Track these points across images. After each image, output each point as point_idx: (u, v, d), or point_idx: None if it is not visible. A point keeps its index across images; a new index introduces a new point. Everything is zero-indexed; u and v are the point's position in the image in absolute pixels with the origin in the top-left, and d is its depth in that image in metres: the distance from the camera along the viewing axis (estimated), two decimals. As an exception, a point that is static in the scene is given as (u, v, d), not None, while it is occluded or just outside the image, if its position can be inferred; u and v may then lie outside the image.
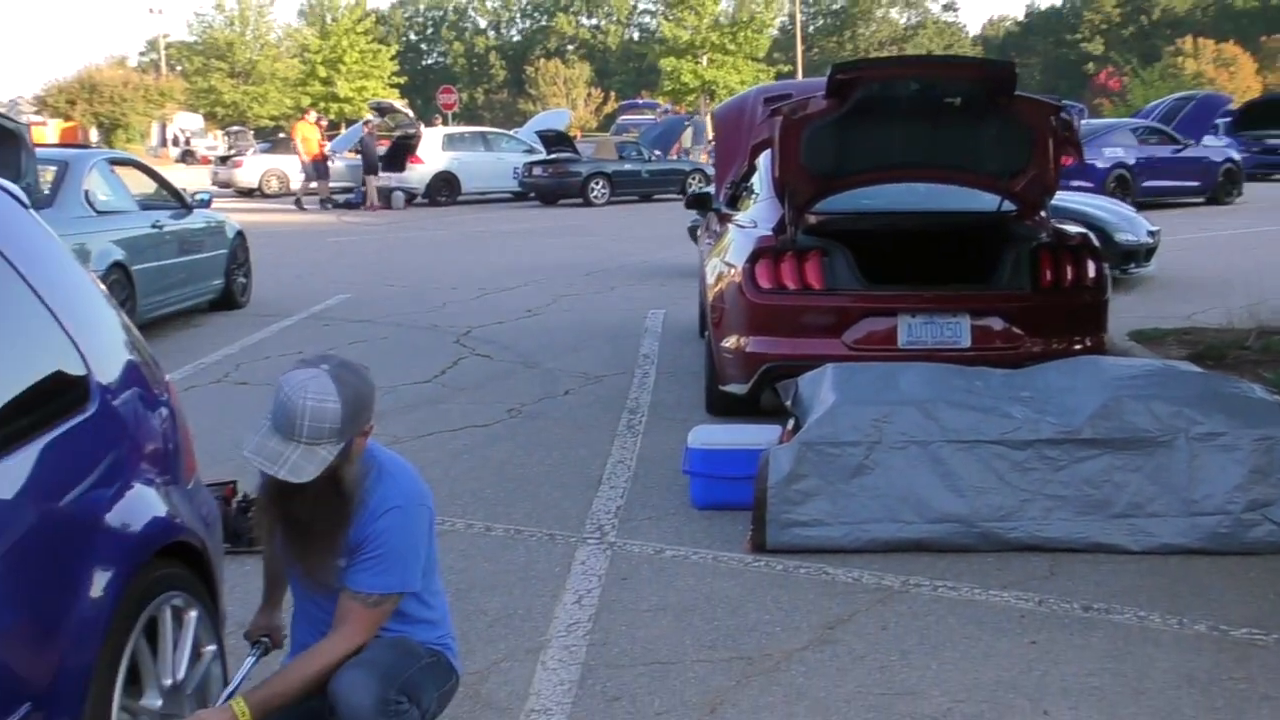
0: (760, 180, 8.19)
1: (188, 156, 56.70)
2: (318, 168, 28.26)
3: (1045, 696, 4.00)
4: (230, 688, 3.24)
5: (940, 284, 7.19)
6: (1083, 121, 22.54)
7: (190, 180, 23.45)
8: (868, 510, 5.29)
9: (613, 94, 75.92)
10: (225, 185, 33.68)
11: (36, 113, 55.30)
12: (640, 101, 63.39)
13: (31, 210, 3.23)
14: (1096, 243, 7.41)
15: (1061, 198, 12.68)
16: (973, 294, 7.09)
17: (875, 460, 5.32)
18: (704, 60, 63.03)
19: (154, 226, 11.31)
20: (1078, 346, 6.96)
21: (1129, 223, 13.29)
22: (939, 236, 7.83)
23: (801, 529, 5.29)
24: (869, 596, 4.85)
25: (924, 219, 7.94)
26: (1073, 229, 7.57)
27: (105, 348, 3.25)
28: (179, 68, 71.32)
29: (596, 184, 28.62)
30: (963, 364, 6.12)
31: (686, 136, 37.21)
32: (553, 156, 29.36)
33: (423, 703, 3.23)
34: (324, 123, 33.86)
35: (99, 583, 2.77)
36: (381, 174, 28.44)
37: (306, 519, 3.14)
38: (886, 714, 3.90)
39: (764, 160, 7.94)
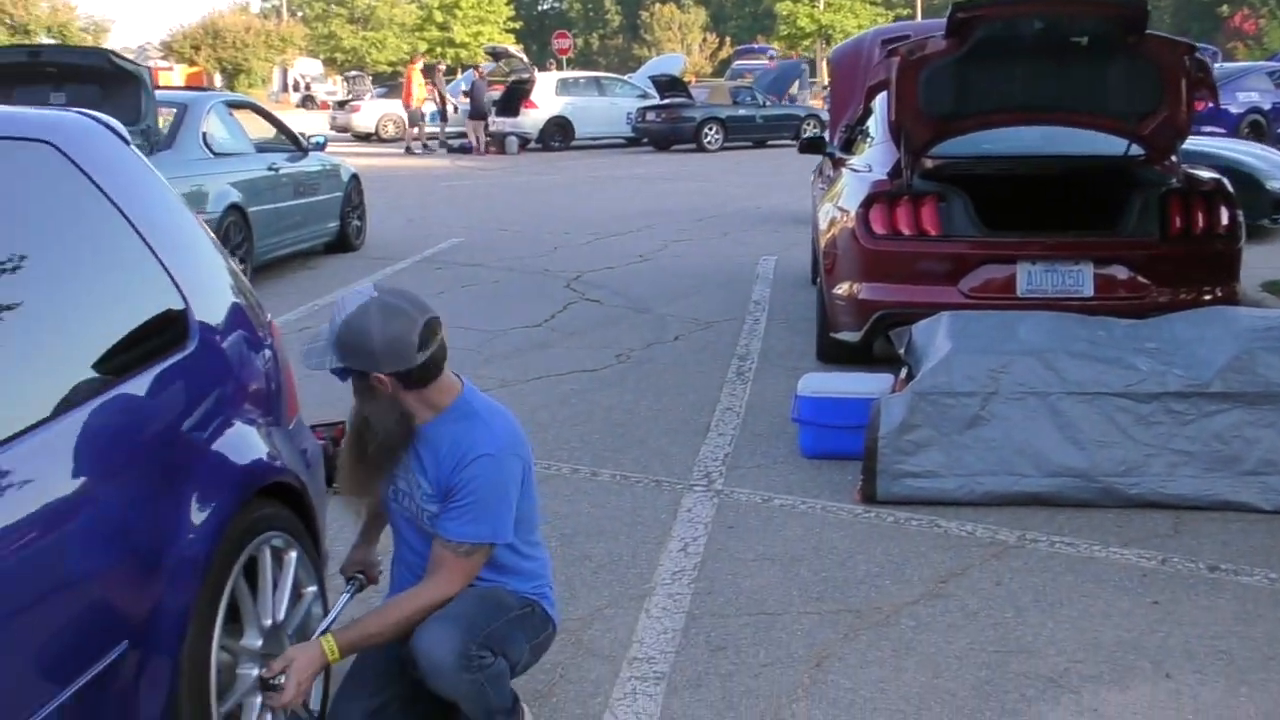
0: (876, 124, 7.97)
1: (308, 101, 57.42)
2: (416, 115, 28.73)
3: (1168, 659, 3.84)
4: (323, 624, 3.22)
5: (1062, 231, 6.95)
6: (1216, 65, 21.71)
7: (310, 125, 23.74)
8: (982, 462, 5.14)
9: (728, 39, 75.15)
10: (343, 130, 34.04)
11: (163, 58, 56.45)
12: (755, 47, 62.65)
13: (133, 146, 3.21)
14: (1230, 188, 7.08)
15: (1206, 144, 12.27)
16: (1097, 241, 6.84)
17: (991, 411, 5.16)
18: (821, 4, 62.03)
19: (270, 169, 11.42)
20: (1207, 297, 6.67)
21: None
22: (1062, 182, 7.56)
23: (913, 480, 5.16)
24: (982, 551, 4.71)
25: (1046, 163, 7.66)
26: (1205, 174, 7.25)
27: (207, 287, 3.23)
28: (300, 14, 72.18)
29: (710, 129, 28.37)
30: (1085, 314, 5.90)
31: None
32: (666, 102, 29.14)
33: (511, 654, 3.18)
34: (441, 67, 34.12)
35: (199, 521, 2.75)
36: (496, 119, 28.54)
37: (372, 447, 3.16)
38: (1000, 672, 3.77)
39: (880, 103, 7.72)
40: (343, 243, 12.85)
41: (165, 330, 2.97)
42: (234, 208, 10.29)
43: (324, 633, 3.12)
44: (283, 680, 2.98)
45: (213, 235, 3.54)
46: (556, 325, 9.08)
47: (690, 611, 4.24)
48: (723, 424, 6.49)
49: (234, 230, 10.24)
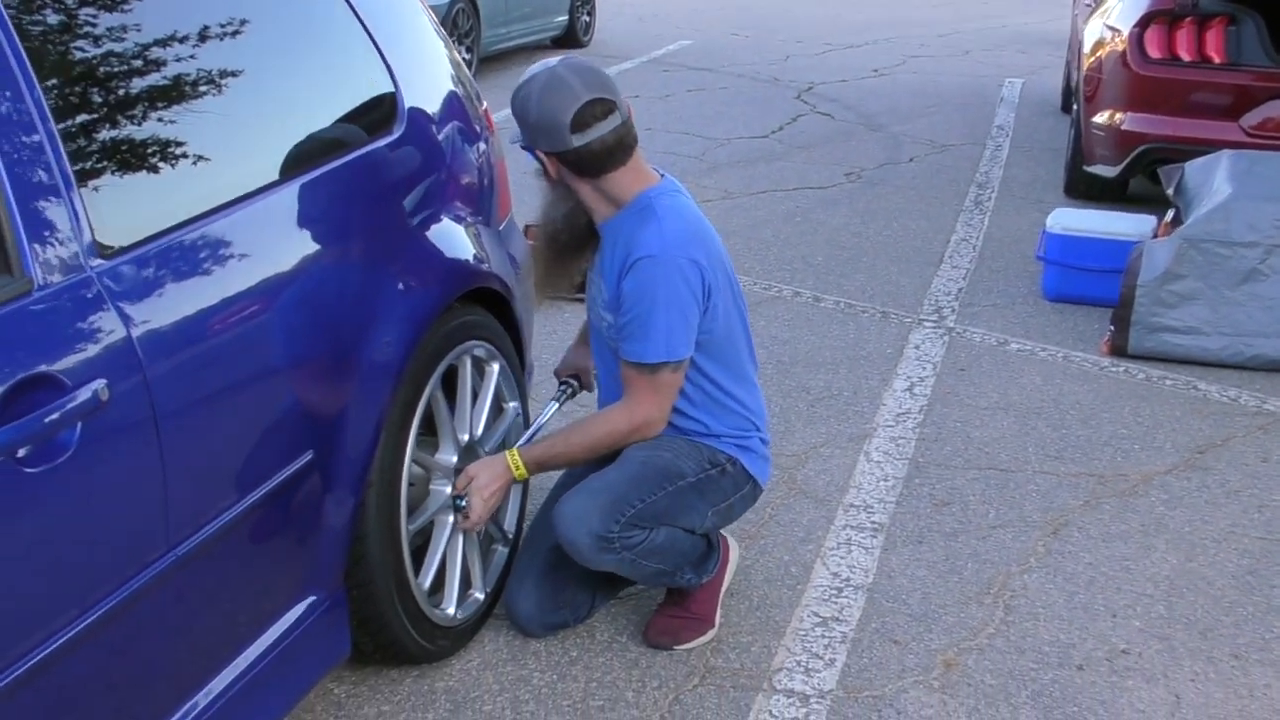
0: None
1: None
2: None
3: None
4: (529, 432, 3.01)
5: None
6: None
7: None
8: (1255, 322, 4.60)
9: None
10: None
11: None
12: None
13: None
14: None
15: None
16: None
17: (1272, 266, 4.59)
18: None
19: (501, -44, 11.09)
20: None
21: None
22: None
23: (1171, 335, 4.66)
24: (1248, 421, 4.23)
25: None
26: None
27: (422, 72, 2.95)
28: None
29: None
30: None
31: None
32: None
33: (684, 522, 2.85)
34: None
35: (395, 324, 2.51)
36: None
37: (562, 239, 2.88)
38: (1266, 562, 3.36)
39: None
40: (570, 38, 12.52)
41: (371, 111, 2.70)
42: (463, -6, 10.03)
43: (530, 441, 2.92)
44: (467, 501, 2.78)
45: (436, 21, 3.24)
46: (784, 138, 8.63)
47: (914, 459, 3.91)
48: (957, 256, 6.03)
49: (462, 18, 10.00)
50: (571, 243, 2.87)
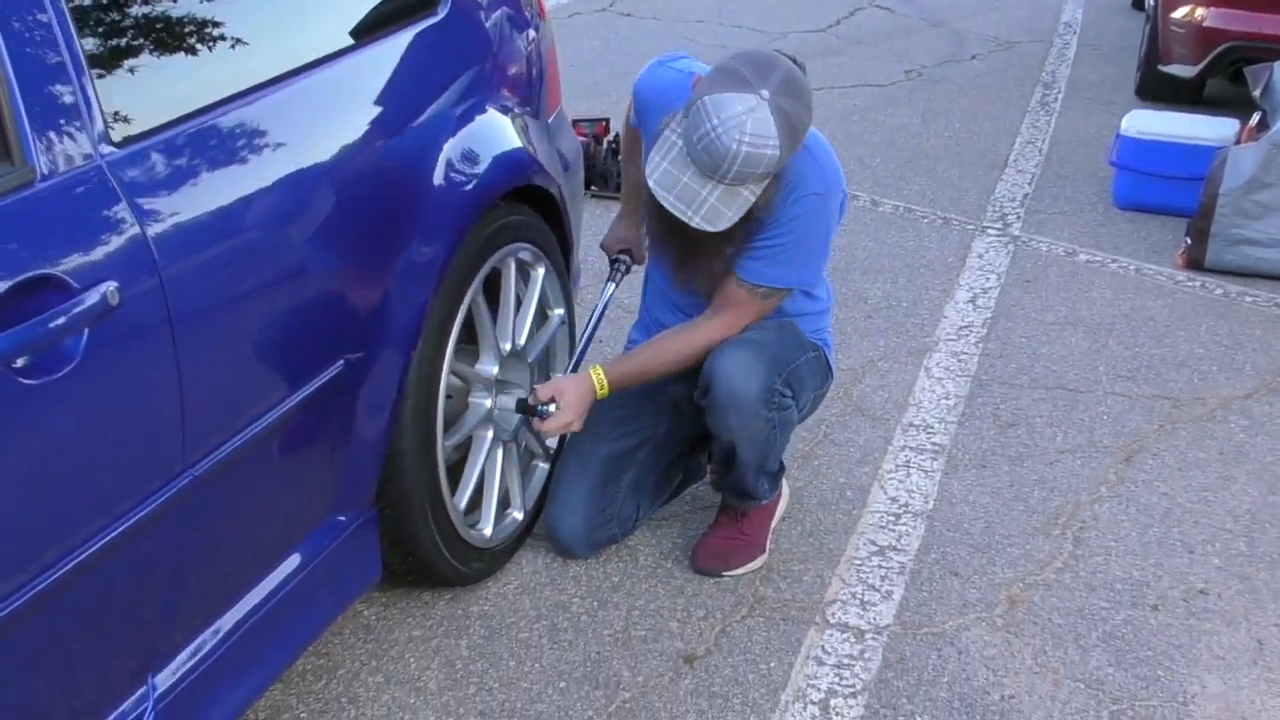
0: None
1: None
2: None
3: None
4: (587, 330, 2.86)
5: None
6: None
7: None
8: (1344, 238, 4.34)
9: None
10: None
11: None
12: None
13: None
14: None
15: None
16: None
17: (1365, 178, 4.32)
18: None
19: None
20: None
21: None
22: None
23: (1254, 249, 4.41)
24: (1333, 343, 4.00)
25: None
26: None
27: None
28: None
29: None
30: None
31: None
32: None
33: (800, 400, 2.72)
34: None
35: (436, 222, 2.32)
36: None
37: (703, 237, 2.52)
38: (1351, 497, 3.16)
39: None
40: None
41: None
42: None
43: (590, 338, 2.82)
44: (552, 409, 2.61)
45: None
46: (842, 32, 8.30)
47: (977, 377, 3.70)
48: (1022, 159, 5.76)
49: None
50: (734, 242, 2.57)
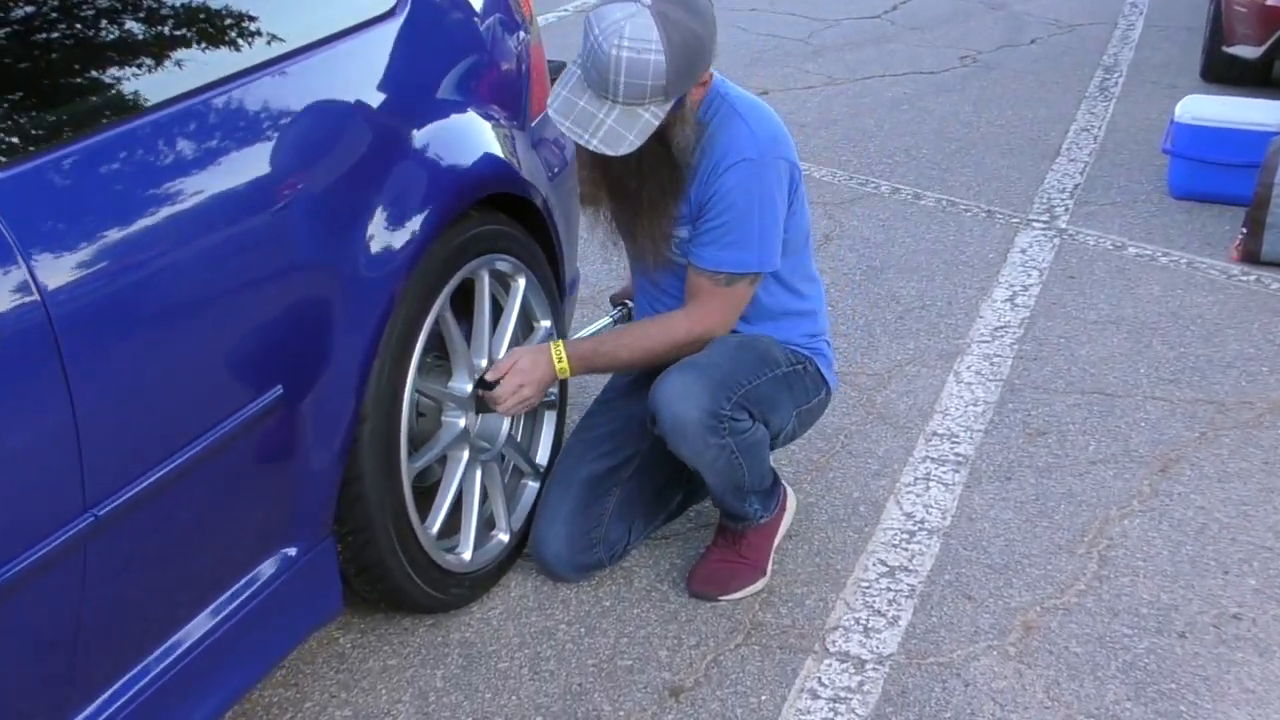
0: None
1: None
2: None
3: None
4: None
5: None
6: None
7: None
8: None
9: None
10: None
11: None
12: None
13: None
14: None
15: None
16: None
17: None
18: None
19: None
20: None
21: None
22: None
23: (1313, 241, 4.17)
24: (1395, 341, 3.75)
25: None
26: None
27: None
28: None
29: None
30: None
31: None
32: None
33: (774, 421, 2.55)
34: None
35: (387, 235, 2.19)
36: None
37: (633, 186, 2.45)
38: (1406, 510, 2.93)
39: None
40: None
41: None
42: None
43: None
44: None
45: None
46: (897, 18, 8.08)
47: (1009, 381, 3.52)
48: (1076, 148, 5.53)
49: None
50: (666, 193, 2.47)
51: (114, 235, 1.70)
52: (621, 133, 2.29)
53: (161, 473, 1.75)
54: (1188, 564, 2.74)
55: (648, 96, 2.27)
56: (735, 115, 2.44)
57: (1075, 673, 2.42)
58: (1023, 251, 4.41)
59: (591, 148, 2.31)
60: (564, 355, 2.53)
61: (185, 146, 1.85)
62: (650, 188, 2.41)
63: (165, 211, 1.79)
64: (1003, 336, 3.77)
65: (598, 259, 3.47)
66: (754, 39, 7.49)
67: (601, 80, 2.26)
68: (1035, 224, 4.66)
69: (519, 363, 2.49)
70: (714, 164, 2.43)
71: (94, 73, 1.84)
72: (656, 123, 2.30)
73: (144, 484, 1.72)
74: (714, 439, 2.44)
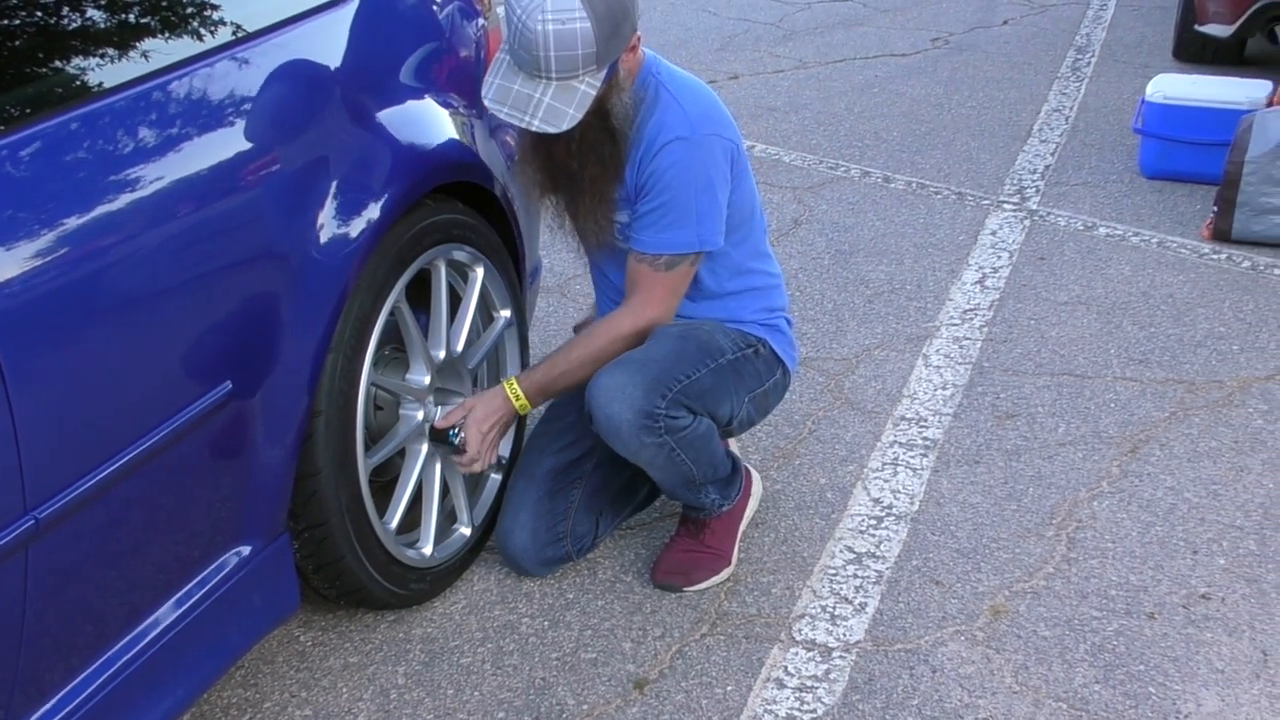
0: None
1: None
2: None
3: None
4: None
5: None
6: None
7: None
8: (1379, 203, 4.07)
9: None
10: None
11: None
12: None
13: None
14: None
15: None
16: None
17: (1401, 138, 4.05)
18: None
19: None
20: None
21: None
22: None
23: (1282, 219, 4.16)
24: (1365, 318, 3.74)
25: None
26: None
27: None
28: None
29: None
30: None
31: None
32: None
33: (721, 412, 2.51)
34: None
35: (336, 226, 2.15)
36: None
37: (575, 167, 2.41)
38: (1375, 487, 2.92)
39: None
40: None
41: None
42: None
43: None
44: (461, 438, 2.46)
45: None
46: (870, 1, 8.04)
47: (978, 363, 3.50)
48: (1047, 129, 5.51)
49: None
50: (608, 170, 2.44)
51: (51, 227, 1.66)
52: (560, 108, 2.26)
53: (105, 473, 1.72)
54: (1157, 545, 2.72)
55: (580, 66, 2.25)
56: (667, 95, 2.42)
57: (1044, 656, 2.40)
58: (993, 233, 4.39)
59: (534, 128, 2.28)
60: (519, 392, 2.50)
61: (130, 136, 1.82)
62: (591, 166, 2.38)
63: (108, 202, 1.75)
64: (972, 319, 3.75)
65: (565, 248, 3.44)
66: (725, 23, 7.45)
67: (532, 60, 2.24)
68: (1006, 205, 4.64)
69: (474, 412, 2.48)
70: (648, 145, 2.40)
71: (41, 55, 1.80)
72: (594, 93, 2.28)
73: (87, 485, 1.69)
74: (649, 438, 2.39)
